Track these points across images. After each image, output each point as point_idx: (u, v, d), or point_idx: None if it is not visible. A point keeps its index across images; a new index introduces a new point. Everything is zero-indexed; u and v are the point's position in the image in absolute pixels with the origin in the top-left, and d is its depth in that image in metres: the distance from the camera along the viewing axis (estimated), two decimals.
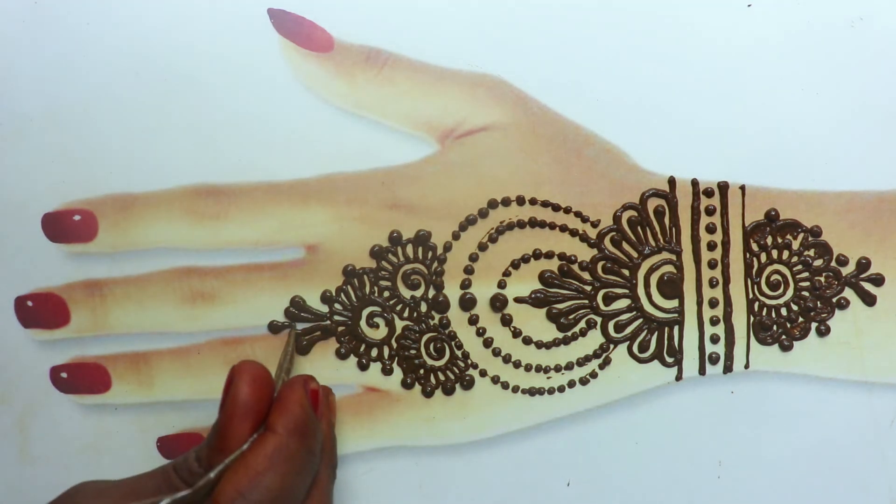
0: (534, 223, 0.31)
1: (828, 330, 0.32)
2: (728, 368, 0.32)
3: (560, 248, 0.32)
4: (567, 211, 0.31)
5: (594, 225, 0.32)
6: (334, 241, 0.31)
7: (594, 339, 0.32)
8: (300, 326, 0.31)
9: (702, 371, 0.32)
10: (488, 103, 0.31)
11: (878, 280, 0.32)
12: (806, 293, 0.32)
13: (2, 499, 0.31)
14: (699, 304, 0.32)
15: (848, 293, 0.32)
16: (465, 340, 0.32)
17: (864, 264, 0.32)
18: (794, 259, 0.32)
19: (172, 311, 0.31)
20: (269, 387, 0.26)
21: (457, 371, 0.32)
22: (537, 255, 0.32)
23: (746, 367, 0.32)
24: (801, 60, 0.31)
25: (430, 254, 0.31)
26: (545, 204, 0.31)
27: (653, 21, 0.31)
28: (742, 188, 0.32)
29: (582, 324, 0.32)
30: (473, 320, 0.31)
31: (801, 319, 0.32)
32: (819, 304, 0.32)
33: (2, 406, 0.31)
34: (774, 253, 0.32)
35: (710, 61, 0.31)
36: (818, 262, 0.32)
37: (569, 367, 0.32)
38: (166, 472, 0.25)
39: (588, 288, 0.32)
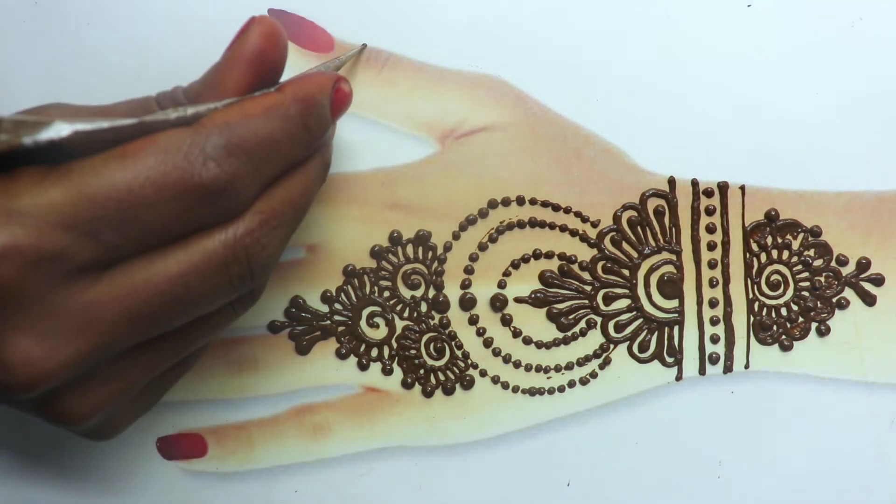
0: (534, 223, 0.31)
1: (828, 330, 0.32)
2: (728, 368, 0.32)
3: (560, 248, 0.32)
4: (567, 211, 0.31)
5: (594, 225, 0.32)
6: (334, 241, 0.31)
7: (594, 339, 0.32)
8: (300, 327, 0.31)
9: (702, 371, 0.32)
10: (488, 103, 0.31)
11: (878, 280, 0.32)
12: (806, 293, 0.32)
13: (1, 497, 0.31)
14: (699, 304, 0.32)
15: (848, 293, 0.32)
16: (465, 340, 0.32)
17: (864, 264, 0.32)
18: (794, 259, 0.32)
19: None
20: (280, 49, 0.24)
21: (457, 371, 0.32)
22: (537, 255, 0.32)
23: (746, 367, 0.32)
24: (801, 60, 0.31)
25: (430, 254, 0.31)
26: (545, 204, 0.31)
27: (653, 21, 0.31)
28: (742, 188, 0.32)
29: (582, 324, 0.32)
30: (473, 320, 0.32)
31: (801, 319, 0.32)
32: (819, 304, 0.32)
33: (1, 405, 0.31)
34: (774, 253, 0.32)
35: (709, 61, 0.31)
36: (818, 262, 0.32)
37: (569, 367, 0.32)
38: (147, 102, 0.24)
39: (588, 288, 0.32)
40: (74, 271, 0.20)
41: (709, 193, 0.32)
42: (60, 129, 0.19)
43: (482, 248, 0.31)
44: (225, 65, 0.23)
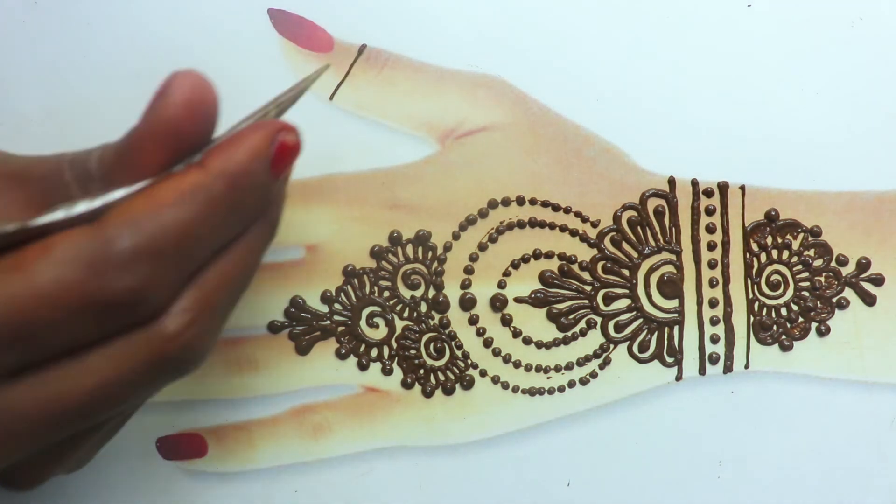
0: (534, 223, 0.31)
1: (828, 330, 0.32)
2: (728, 368, 0.32)
3: (560, 248, 0.32)
4: (567, 211, 0.31)
5: (594, 225, 0.32)
6: (334, 241, 0.31)
7: (594, 339, 0.32)
8: (300, 327, 0.31)
9: (702, 371, 0.32)
10: (488, 103, 0.31)
11: (878, 280, 0.32)
12: (806, 293, 0.32)
13: (2, 497, 0.31)
14: (699, 304, 0.32)
15: (848, 293, 0.32)
16: (465, 340, 0.32)
17: (864, 264, 0.32)
18: (794, 259, 0.32)
19: None
20: (206, 116, 0.20)
21: (457, 371, 0.32)
22: (537, 255, 0.32)
23: (746, 367, 0.32)
24: (801, 60, 0.31)
25: (430, 254, 0.31)
26: (545, 204, 0.31)
27: (653, 21, 0.31)
28: (742, 188, 0.32)
29: (582, 324, 0.32)
30: (473, 320, 0.32)
31: (801, 319, 0.32)
32: (819, 304, 0.32)
33: None
34: (774, 253, 0.32)
35: (710, 61, 0.31)
36: (818, 262, 0.32)
37: (569, 367, 0.32)
38: (60, 163, 0.21)
39: (588, 288, 0.32)
40: None
41: (709, 193, 0.32)
42: None
43: (482, 248, 0.31)
44: (138, 140, 0.20)
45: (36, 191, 0.21)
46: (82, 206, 0.19)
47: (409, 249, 0.31)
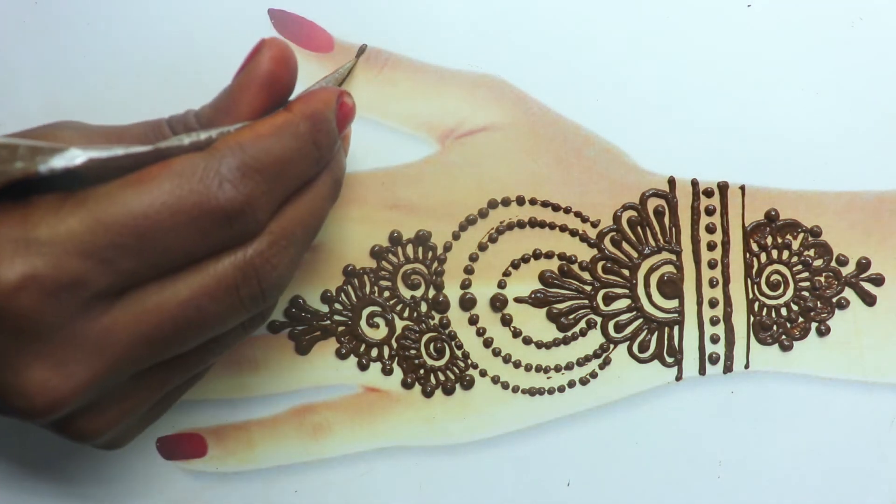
0: (534, 223, 0.31)
1: (828, 330, 0.32)
2: (728, 368, 0.32)
3: (560, 248, 0.32)
4: (567, 211, 0.31)
5: (594, 225, 0.32)
6: (334, 241, 0.31)
7: (594, 339, 0.32)
8: (300, 327, 0.31)
9: (702, 371, 0.32)
10: (488, 103, 0.31)
11: (878, 280, 0.32)
12: (806, 293, 0.32)
13: (2, 498, 0.31)
14: (699, 304, 0.32)
15: (848, 293, 0.32)
16: (465, 340, 0.32)
17: (864, 264, 0.32)
18: (794, 259, 0.32)
19: None
20: (291, 71, 0.24)
21: (457, 371, 0.32)
22: (537, 255, 0.32)
23: (746, 367, 0.32)
24: (801, 60, 0.31)
25: (430, 254, 0.31)
26: (545, 204, 0.31)
27: (653, 21, 0.31)
28: (742, 188, 0.32)
29: (582, 324, 0.32)
30: (473, 320, 0.32)
31: (801, 319, 0.32)
32: (819, 304, 0.32)
33: None
34: (774, 253, 0.32)
35: (710, 61, 0.31)
36: (818, 262, 0.32)
37: (569, 367, 0.32)
38: (159, 125, 0.24)
39: (588, 288, 0.32)
40: (91, 298, 0.20)
41: (709, 193, 0.32)
42: (75, 156, 0.19)
43: (482, 248, 0.31)
44: (237, 89, 0.24)
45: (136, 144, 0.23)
46: (201, 135, 0.22)
47: (409, 249, 0.31)
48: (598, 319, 0.32)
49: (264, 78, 0.23)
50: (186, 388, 0.26)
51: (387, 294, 0.31)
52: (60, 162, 0.19)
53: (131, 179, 0.20)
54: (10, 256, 0.19)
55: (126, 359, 0.21)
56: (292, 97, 0.25)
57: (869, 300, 0.32)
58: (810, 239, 0.32)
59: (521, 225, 0.31)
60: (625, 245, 0.32)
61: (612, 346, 0.32)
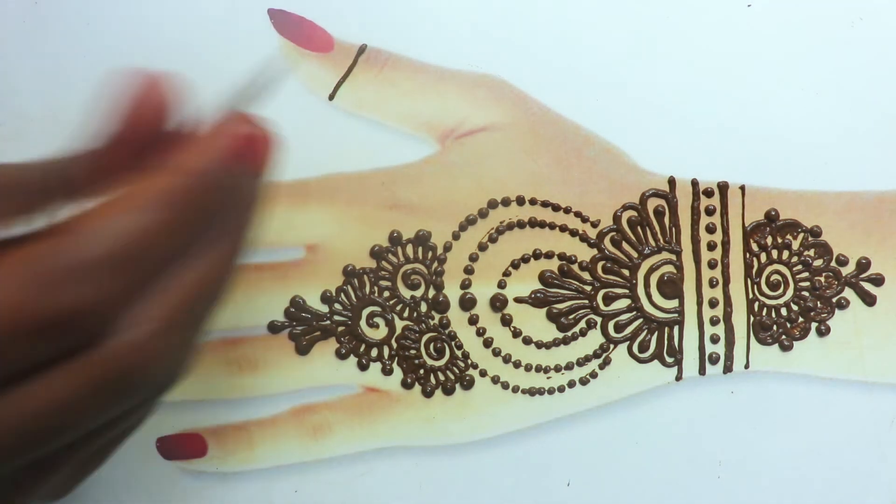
0: (534, 223, 0.31)
1: (828, 330, 0.32)
2: (728, 368, 0.32)
3: (560, 248, 0.32)
4: (567, 211, 0.31)
5: (594, 225, 0.32)
6: (334, 241, 0.31)
7: (594, 339, 0.32)
8: (300, 327, 0.31)
9: (702, 371, 0.32)
10: (488, 103, 0.31)
11: (878, 280, 0.32)
12: (806, 293, 0.32)
13: None
14: (699, 304, 0.32)
15: (848, 293, 0.32)
16: (465, 340, 0.32)
17: (864, 264, 0.32)
18: (794, 259, 0.32)
19: None
20: (155, 118, 0.19)
21: (457, 371, 0.32)
22: (537, 255, 0.32)
23: (746, 367, 0.32)
24: (801, 60, 0.31)
25: (430, 254, 0.31)
26: (545, 204, 0.31)
27: (653, 21, 0.31)
28: (742, 188, 0.32)
29: (582, 324, 0.32)
30: (473, 320, 0.32)
31: (801, 319, 0.32)
32: (819, 304, 0.32)
33: None
34: (774, 253, 0.32)
35: (709, 61, 0.31)
36: (818, 262, 0.32)
37: (569, 367, 0.32)
38: (44, 168, 0.20)
39: (588, 288, 0.32)
40: None
41: (709, 193, 0.32)
42: None
43: (482, 248, 0.31)
44: (102, 145, 0.19)
45: (14, 200, 0.19)
46: (42, 222, 0.18)
47: (409, 249, 0.31)
48: (598, 319, 0.32)
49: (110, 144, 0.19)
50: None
51: (387, 294, 0.31)
52: None
53: None
54: None
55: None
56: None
57: (869, 300, 0.32)
58: (810, 239, 0.32)
59: (521, 225, 0.31)
60: (625, 245, 0.32)
61: (612, 346, 0.32)
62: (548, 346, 0.32)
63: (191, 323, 0.20)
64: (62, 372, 0.18)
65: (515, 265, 0.32)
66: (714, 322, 0.32)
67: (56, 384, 0.18)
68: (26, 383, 0.18)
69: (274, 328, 0.31)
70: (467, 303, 0.31)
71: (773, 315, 0.32)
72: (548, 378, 0.32)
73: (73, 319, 0.17)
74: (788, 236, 0.32)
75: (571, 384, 0.32)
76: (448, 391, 0.32)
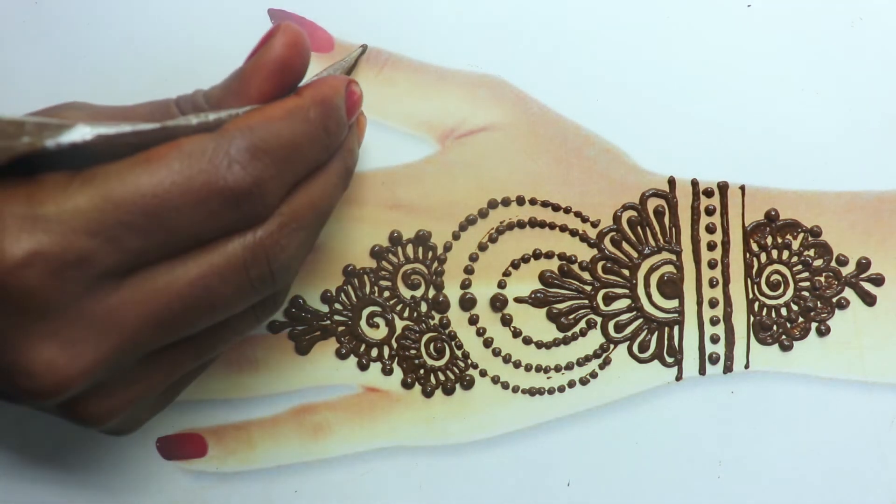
0: (534, 223, 0.31)
1: (828, 330, 0.32)
2: (728, 368, 0.32)
3: (560, 248, 0.32)
4: (567, 211, 0.31)
5: (594, 225, 0.32)
6: (334, 241, 0.31)
7: (594, 339, 0.32)
8: (300, 327, 0.31)
9: (702, 371, 0.32)
10: (488, 103, 0.31)
11: (878, 280, 0.32)
12: (806, 293, 0.32)
13: (1, 497, 0.32)
14: (699, 304, 0.32)
15: (848, 293, 0.32)
16: (466, 340, 0.32)
17: (864, 264, 0.32)
18: (794, 259, 0.32)
19: None
20: (304, 58, 0.24)
21: (457, 371, 0.32)
22: (537, 255, 0.32)
23: (746, 367, 0.32)
24: (801, 60, 0.31)
25: (430, 254, 0.31)
26: (545, 204, 0.31)
27: (653, 21, 0.31)
28: (742, 188, 0.32)
29: (582, 324, 0.32)
30: (473, 320, 0.32)
31: (801, 319, 0.32)
32: (819, 304, 0.32)
33: (1, 407, 0.31)
34: (774, 253, 0.32)
35: (710, 61, 0.31)
36: (818, 262, 0.32)
37: (569, 367, 0.32)
38: (167, 105, 0.24)
39: (588, 288, 0.32)
40: (98, 277, 0.20)
41: (709, 193, 0.32)
42: (84, 133, 0.19)
43: (482, 248, 0.31)
44: (248, 72, 0.23)
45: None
46: (210, 116, 0.22)
47: (409, 249, 0.31)
48: (598, 319, 0.32)
49: (276, 63, 0.23)
50: (195, 376, 0.26)
51: (387, 294, 0.31)
52: (68, 137, 0.19)
53: (140, 158, 0.20)
54: (16, 233, 0.19)
55: (135, 339, 0.21)
56: (302, 84, 0.25)
57: (869, 300, 0.32)
58: (810, 239, 0.32)
59: (521, 225, 0.31)
60: (625, 245, 0.32)
61: (612, 346, 0.32)
62: (548, 346, 0.32)
63: (309, 230, 0.24)
64: (217, 249, 0.21)
65: (515, 265, 0.32)
66: (714, 322, 0.32)
67: (211, 259, 0.21)
68: (188, 257, 0.21)
69: (274, 328, 0.31)
70: (467, 303, 0.31)
71: (773, 315, 0.32)
72: (548, 378, 0.32)
73: (237, 195, 0.21)
74: (788, 236, 0.32)
75: (571, 384, 0.32)
76: (448, 391, 0.32)
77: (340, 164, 0.25)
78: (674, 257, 0.32)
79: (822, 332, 0.32)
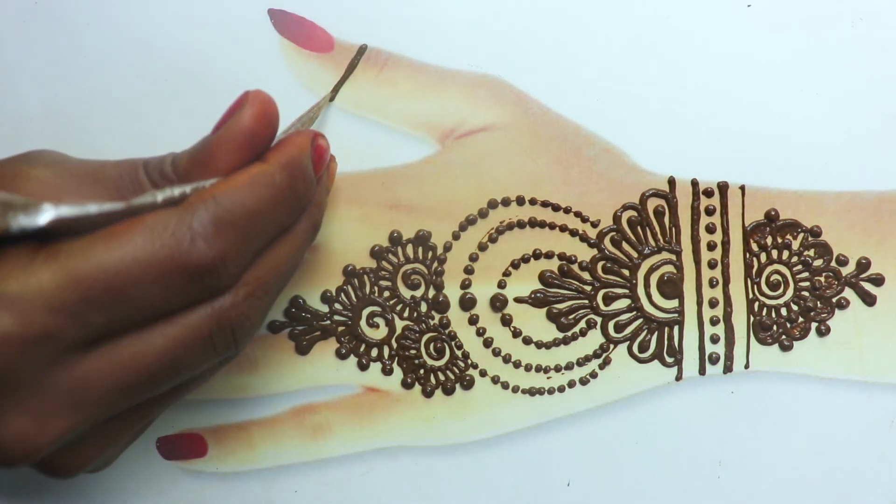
0: (534, 223, 0.31)
1: (828, 330, 0.32)
2: (728, 368, 0.32)
3: (560, 248, 0.32)
4: (567, 211, 0.31)
5: (594, 225, 0.32)
6: (334, 241, 0.31)
7: (594, 339, 0.32)
8: (300, 327, 0.31)
9: (702, 371, 0.32)
10: (488, 103, 0.31)
11: (878, 280, 0.32)
12: (806, 293, 0.32)
13: (2, 497, 0.32)
14: (699, 304, 0.32)
15: (848, 293, 0.32)
16: (466, 340, 0.32)
17: (864, 264, 0.32)
18: (794, 259, 0.32)
19: None
20: (272, 128, 0.24)
21: (457, 371, 0.32)
22: (537, 255, 0.32)
23: (746, 367, 0.32)
24: (801, 60, 0.31)
25: (430, 254, 0.31)
26: (545, 204, 0.31)
27: (653, 21, 0.31)
28: (742, 188, 0.32)
29: (582, 324, 0.32)
30: (473, 320, 0.32)
31: (801, 319, 0.32)
32: (819, 304, 0.32)
33: None
34: (774, 253, 0.32)
35: (710, 61, 0.31)
36: (818, 262, 0.32)
37: (569, 367, 0.32)
38: (135, 166, 0.24)
39: (588, 288, 0.32)
40: (63, 351, 0.20)
41: (709, 193, 0.32)
42: (49, 215, 0.19)
43: (482, 248, 0.31)
44: (215, 144, 0.23)
45: (111, 189, 0.23)
46: (175, 190, 0.22)
47: (409, 249, 0.31)
48: (598, 319, 0.32)
49: (244, 136, 0.23)
50: (158, 415, 0.26)
51: (387, 294, 0.31)
52: (30, 221, 0.19)
53: (103, 234, 0.20)
54: None
55: (102, 406, 0.21)
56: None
57: (869, 300, 0.32)
58: (810, 239, 0.32)
59: (521, 225, 0.31)
60: (625, 245, 0.32)
61: (612, 346, 0.32)
62: (548, 346, 0.32)
63: (273, 292, 0.24)
64: (181, 321, 0.22)
65: (515, 265, 0.32)
66: (714, 322, 0.32)
67: (176, 331, 0.22)
68: (152, 328, 0.21)
69: (274, 328, 0.31)
70: (467, 303, 0.31)
71: (773, 315, 0.32)
72: (548, 378, 0.32)
73: (202, 271, 0.21)
74: (788, 236, 0.32)
75: (571, 384, 0.32)
76: (448, 391, 0.32)
77: (308, 222, 0.25)
78: (674, 257, 0.32)
79: (822, 332, 0.32)
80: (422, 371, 0.32)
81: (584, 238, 0.32)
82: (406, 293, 0.31)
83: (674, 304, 0.32)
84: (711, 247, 0.32)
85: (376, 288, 0.31)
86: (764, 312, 0.32)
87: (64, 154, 0.25)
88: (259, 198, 0.22)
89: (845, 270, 0.32)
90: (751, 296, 0.32)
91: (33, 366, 0.20)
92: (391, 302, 0.31)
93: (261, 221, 0.22)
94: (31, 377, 0.20)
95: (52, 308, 0.20)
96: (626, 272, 0.32)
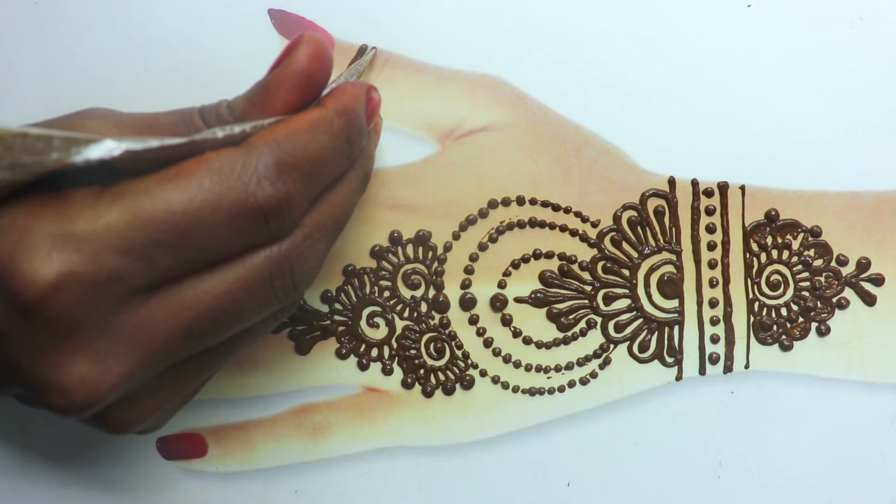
0: (534, 223, 0.31)
1: (828, 330, 0.32)
2: (728, 368, 0.32)
3: (560, 248, 0.32)
4: (567, 211, 0.31)
5: (594, 225, 0.32)
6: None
7: (594, 339, 0.32)
8: (300, 327, 0.31)
9: (702, 371, 0.32)
10: (488, 103, 0.31)
11: (878, 280, 0.32)
12: (806, 293, 0.32)
13: (2, 497, 0.32)
14: (699, 304, 0.32)
15: (848, 293, 0.32)
16: (466, 340, 0.32)
17: (864, 264, 0.32)
18: (794, 259, 0.32)
19: None
20: (327, 68, 0.24)
21: (457, 371, 0.32)
22: (537, 255, 0.32)
23: (746, 367, 0.32)
24: (801, 60, 0.31)
25: (430, 254, 0.31)
26: (545, 204, 0.31)
27: (653, 21, 0.31)
28: (742, 188, 0.32)
29: (582, 324, 0.32)
30: (473, 320, 0.32)
31: (801, 319, 0.32)
32: (819, 304, 0.32)
33: (2, 405, 0.31)
34: (774, 253, 0.32)
35: (710, 61, 0.31)
36: (818, 262, 0.32)
37: (569, 367, 0.32)
38: (189, 114, 0.24)
39: (588, 288, 0.32)
40: (129, 293, 0.20)
41: (709, 193, 0.32)
42: (111, 148, 0.19)
43: (482, 248, 0.31)
44: (272, 84, 0.23)
45: (168, 136, 0.22)
46: (235, 129, 0.22)
47: (409, 249, 0.31)
48: (598, 319, 0.32)
49: (300, 75, 0.23)
50: (215, 373, 0.26)
51: (387, 294, 0.31)
52: (96, 153, 0.19)
53: (169, 174, 0.20)
54: (48, 252, 0.19)
55: (163, 352, 0.21)
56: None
57: (869, 300, 0.32)
58: (810, 239, 0.32)
59: (521, 225, 0.31)
60: (625, 245, 0.32)
61: (612, 346, 0.32)
62: (548, 346, 0.32)
63: (329, 238, 0.24)
64: (242, 263, 0.22)
65: (515, 265, 0.32)
66: (714, 322, 0.32)
67: (237, 273, 0.22)
68: (213, 271, 0.21)
69: (274, 328, 0.31)
70: (467, 303, 0.31)
71: (774, 315, 0.32)
72: (548, 378, 0.32)
73: (266, 211, 0.21)
74: (788, 236, 0.32)
75: (571, 384, 0.32)
76: (448, 391, 0.32)
77: (360, 170, 0.26)
78: (674, 257, 0.32)
79: (822, 332, 0.32)
80: (422, 371, 0.32)
81: (584, 238, 0.32)
82: (406, 293, 0.31)
83: (674, 304, 0.32)
84: (711, 247, 0.32)
85: (376, 288, 0.31)
86: (764, 312, 0.32)
87: (117, 110, 0.25)
88: (318, 143, 0.22)
89: (845, 270, 0.32)
90: (751, 296, 0.32)
91: (98, 308, 0.19)
92: (391, 302, 0.31)
93: (320, 166, 0.23)
94: (95, 320, 0.20)
95: (121, 249, 0.19)
96: (626, 272, 0.32)
